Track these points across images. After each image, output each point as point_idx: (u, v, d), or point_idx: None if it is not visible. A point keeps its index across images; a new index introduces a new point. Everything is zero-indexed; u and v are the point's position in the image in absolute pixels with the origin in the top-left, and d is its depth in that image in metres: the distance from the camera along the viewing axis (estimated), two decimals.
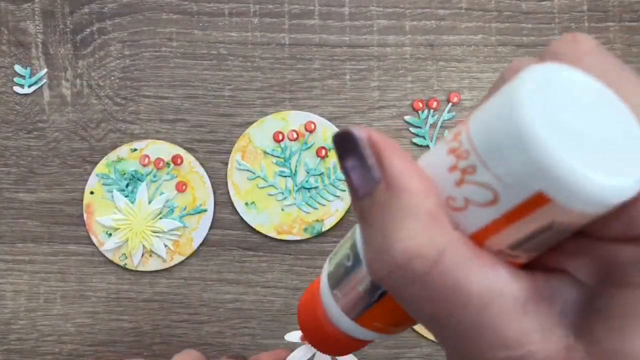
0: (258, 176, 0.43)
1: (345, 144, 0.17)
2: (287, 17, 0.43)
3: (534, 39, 0.43)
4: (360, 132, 0.16)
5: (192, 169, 0.43)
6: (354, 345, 0.22)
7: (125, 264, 0.43)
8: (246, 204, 0.43)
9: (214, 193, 0.43)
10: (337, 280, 0.20)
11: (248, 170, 0.43)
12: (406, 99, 0.43)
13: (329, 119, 0.43)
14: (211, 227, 0.43)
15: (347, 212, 0.43)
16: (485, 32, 0.43)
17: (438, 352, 0.42)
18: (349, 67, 0.43)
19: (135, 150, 0.43)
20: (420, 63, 0.43)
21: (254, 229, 0.43)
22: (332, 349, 0.23)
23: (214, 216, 0.43)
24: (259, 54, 0.43)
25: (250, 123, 0.43)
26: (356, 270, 0.18)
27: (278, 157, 0.43)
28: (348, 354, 0.24)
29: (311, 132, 0.43)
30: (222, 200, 0.43)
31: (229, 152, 0.43)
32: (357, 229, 0.18)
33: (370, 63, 0.43)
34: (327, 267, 0.21)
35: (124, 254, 0.43)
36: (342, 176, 0.42)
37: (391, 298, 0.18)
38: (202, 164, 0.43)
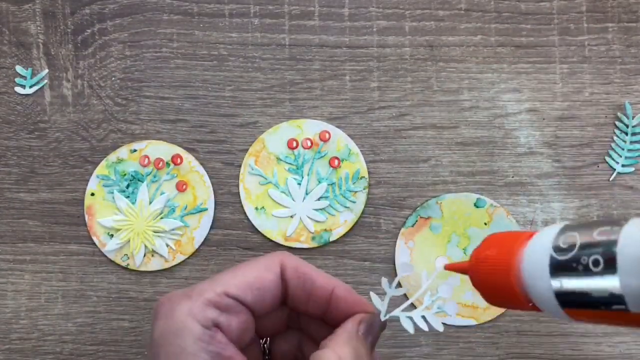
0: (269, 182, 0.43)
1: None
2: (287, 18, 0.44)
3: (533, 40, 0.43)
4: None
5: (192, 168, 0.43)
6: (528, 309, 0.23)
7: (128, 264, 0.43)
8: (256, 208, 0.43)
9: (215, 193, 0.43)
10: (567, 272, 0.21)
11: (260, 175, 0.43)
12: (406, 99, 0.43)
13: (329, 120, 0.43)
14: (212, 227, 0.43)
15: (356, 223, 0.43)
16: (484, 33, 0.43)
17: (438, 351, 0.43)
18: (349, 68, 0.43)
19: (135, 151, 0.43)
20: (420, 64, 0.43)
21: (258, 231, 0.43)
22: (504, 303, 0.25)
23: (214, 216, 0.43)
24: (259, 55, 0.44)
25: (251, 123, 0.43)
26: (599, 280, 0.19)
27: (291, 164, 0.43)
28: (516, 309, 0.25)
29: (325, 141, 0.43)
30: (223, 200, 0.43)
31: (229, 153, 0.43)
32: (621, 240, 0.19)
33: (369, 64, 0.43)
34: (550, 248, 0.22)
35: (126, 255, 0.43)
36: (353, 187, 0.42)
37: (625, 314, 0.19)
38: (202, 164, 0.43)
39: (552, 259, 0.21)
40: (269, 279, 0.28)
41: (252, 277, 0.27)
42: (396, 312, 0.28)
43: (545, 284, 0.21)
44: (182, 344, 0.25)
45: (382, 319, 0.28)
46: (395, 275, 0.43)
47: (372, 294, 0.29)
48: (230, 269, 0.28)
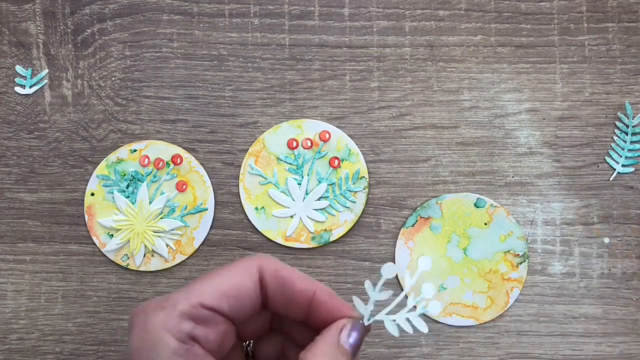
0: (269, 182, 0.43)
1: None
2: (287, 18, 0.44)
3: (533, 40, 0.43)
4: None
5: (192, 168, 0.43)
6: None
7: (128, 264, 0.43)
8: (256, 208, 0.43)
9: (215, 193, 0.43)
10: None
11: (260, 175, 0.43)
12: (406, 99, 0.43)
13: (329, 120, 0.43)
14: (212, 227, 0.43)
15: (356, 223, 0.43)
16: (484, 33, 0.43)
17: (438, 351, 0.43)
18: (349, 68, 0.43)
19: (135, 151, 0.43)
20: (420, 64, 0.43)
21: (259, 231, 0.43)
22: None
23: (214, 216, 0.43)
24: (259, 55, 0.44)
25: (251, 123, 0.43)
26: None
27: (291, 164, 0.43)
28: None
29: (325, 141, 0.43)
30: (223, 200, 0.43)
31: (229, 153, 0.43)
32: None
33: (369, 64, 0.43)
34: None
35: (126, 255, 0.43)
36: (353, 187, 0.42)
37: None
38: (202, 164, 0.43)
39: None
40: (247, 285, 0.27)
41: (229, 284, 0.26)
42: (380, 315, 0.27)
43: None
44: (157, 359, 0.24)
45: (366, 323, 0.27)
46: (396, 276, 0.43)
47: (355, 298, 0.28)
48: (206, 275, 0.27)
